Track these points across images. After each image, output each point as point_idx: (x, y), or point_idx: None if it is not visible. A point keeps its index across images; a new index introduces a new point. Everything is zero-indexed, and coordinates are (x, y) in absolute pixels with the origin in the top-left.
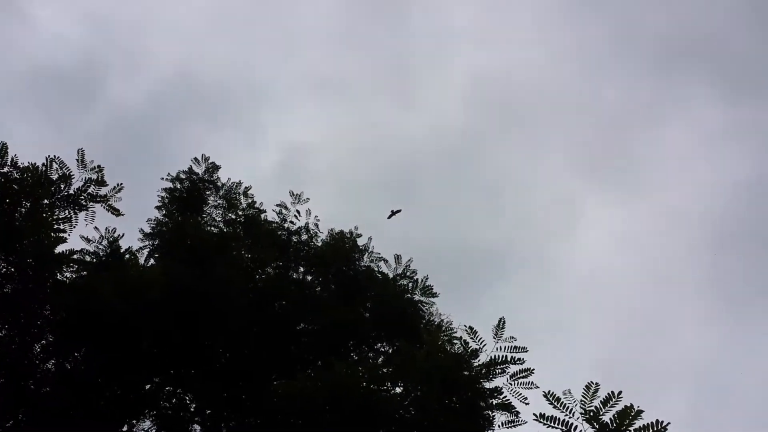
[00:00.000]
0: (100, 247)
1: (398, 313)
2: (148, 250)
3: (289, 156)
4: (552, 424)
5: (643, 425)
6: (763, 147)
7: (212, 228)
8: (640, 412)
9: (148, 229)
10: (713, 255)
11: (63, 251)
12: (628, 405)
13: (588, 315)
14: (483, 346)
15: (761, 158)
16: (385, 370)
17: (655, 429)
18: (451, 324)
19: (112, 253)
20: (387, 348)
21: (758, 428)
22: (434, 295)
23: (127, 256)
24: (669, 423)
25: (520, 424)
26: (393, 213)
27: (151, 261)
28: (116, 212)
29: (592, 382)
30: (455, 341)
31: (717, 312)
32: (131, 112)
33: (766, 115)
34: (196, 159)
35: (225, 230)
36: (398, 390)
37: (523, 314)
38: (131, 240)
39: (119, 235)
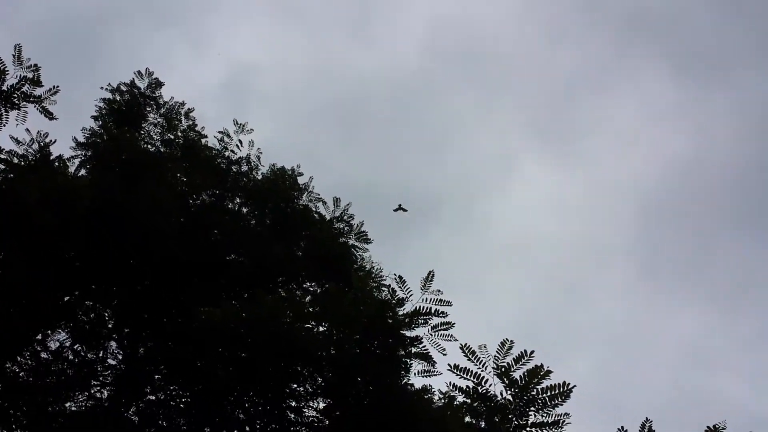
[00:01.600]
0: (30, 150)
1: (331, 255)
2: (79, 159)
3: (235, 73)
4: (464, 376)
5: (551, 385)
6: (702, 129)
7: (149, 146)
8: (548, 372)
9: (81, 139)
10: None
11: None
12: (539, 365)
13: (513, 271)
14: (410, 296)
15: (699, 140)
16: (311, 309)
17: (561, 390)
18: (381, 271)
19: (41, 158)
20: (316, 288)
21: (663, 394)
22: (368, 241)
23: (57, 163)
24: (575, 386)
25: (435, 375)
26: (399, 208)
27: (82, 171)
28: (50, 116)
29: (506, 339)
30: (383, 288)
31: (636, 281)
32: (73, 7)
33: (709, 99)
34: (139, 72)
35: (162, 150)
36: (322, 329)
37: (450, 263)
38: (63, 148)
39: (51, 140)
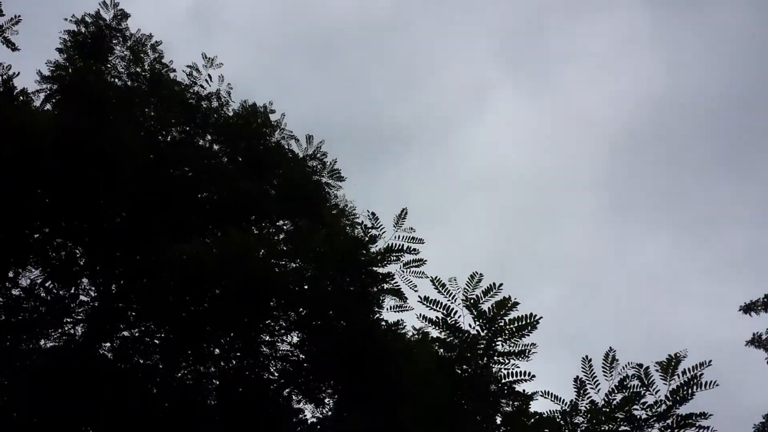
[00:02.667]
0: None
1: (304, 193)
2: (45, 94)
3: (202, 2)
4: (434, 308)
5: (518, 316)
6: (676, 60)
7: (116, 80)
8: (516, 303)
9: (46, 72)
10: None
11: None
12: (507, 296)
13: (485, 203)
14: (382, 233)
15: (672, 71)
16: (284, 247)
17: (528, 320)
18: (354, 209)
19: (5, 92)
20: (290, 227)
21: (622, 320)
22: (341, 179)
23: (21, 97)
24: (541, 317)
25: (407, 310)
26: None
27: (48, 106)
28: (12, 46)
29: (476, 272)
30: (357, 226)
31: (606, 213)
32: None
33: (685, 30)
34: (104, 3)
35: (129, 84)
36: (295, 266)
37: (422, 194)
38: (27, 81)
39: (14, 73)
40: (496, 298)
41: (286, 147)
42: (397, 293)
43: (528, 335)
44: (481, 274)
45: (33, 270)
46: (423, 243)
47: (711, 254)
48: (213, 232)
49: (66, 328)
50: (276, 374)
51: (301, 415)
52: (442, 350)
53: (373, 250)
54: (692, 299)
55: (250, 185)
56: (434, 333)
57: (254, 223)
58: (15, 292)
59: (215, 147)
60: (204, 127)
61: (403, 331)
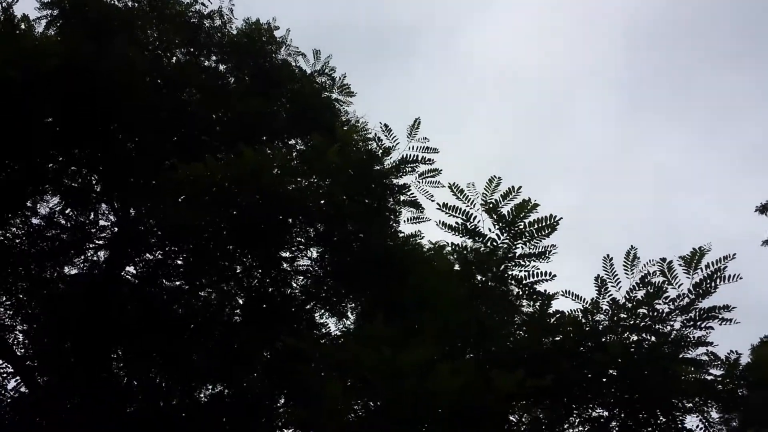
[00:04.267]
0: None
1: (314, 110)
2: (46, 20)
3: None
4: (453, 214)
5: (538, 218)
6: None
7: (116, 1)
8: (536, 205)
9: None
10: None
11: None
12: (526, 199)
13: (496, 104)
14: (396, 145)
15: None
16: (297, 163)
17: (548, 222)
18: (366, 125)
19: (5, 20)
20: (302, 146)
21: (639, 219)
22: (351, 94)
23: (22, 25)
24: (561, 218)
25: (424, 221)
26: None
27: (50, 32)
28: None
29: (494, 176)
30: (369, 141)
31: (618, 109)
32: None
33: None
34: None
35: (129, 4)
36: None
37: (431, 99)
38: (27, 8)
39: (13, 0)
40: (515, 201)
41: (294, 64)
42: (414, 204)
43: (548, 237)
44: (499, 177)
45: (51, 198)
46: (437, 152)
47: (729, 148)
48: (225, 152)
49: (88, 255)
50: (298, 290)
51: (324, 329)
52: (462, 257)
53: (387, 162)
54: (710, 196)
55: (259, 106)
56: (453, 240)
57: (266, 142)
58: (35, 220)
59: (221, 67)
60: (208, 48)
61: (421, 240)
